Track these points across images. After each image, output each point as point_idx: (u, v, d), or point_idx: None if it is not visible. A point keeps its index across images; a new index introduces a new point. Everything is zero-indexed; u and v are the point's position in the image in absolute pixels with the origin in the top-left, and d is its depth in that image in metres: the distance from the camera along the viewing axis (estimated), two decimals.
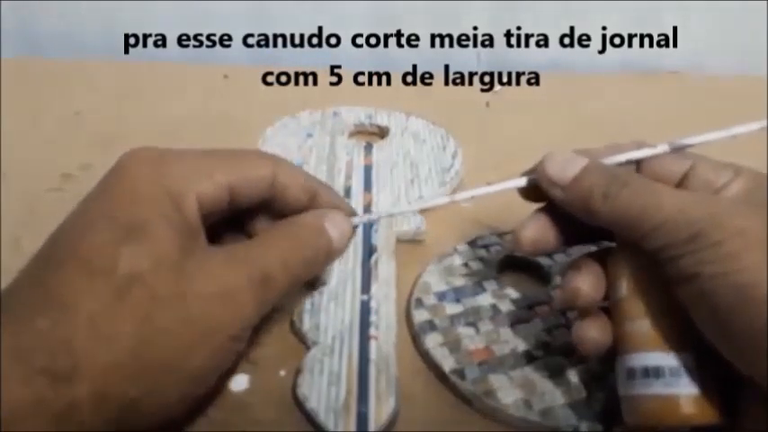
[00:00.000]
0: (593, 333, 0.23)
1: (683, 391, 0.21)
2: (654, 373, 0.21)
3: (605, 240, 0.25)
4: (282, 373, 0.27)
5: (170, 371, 0.19)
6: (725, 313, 0.19)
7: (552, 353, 0.27)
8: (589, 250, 0.25)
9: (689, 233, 0.19)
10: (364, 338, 0.27)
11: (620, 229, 0.22)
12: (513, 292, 0.31)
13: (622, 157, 0.24)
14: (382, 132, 0.46)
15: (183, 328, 0.19)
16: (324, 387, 0.25)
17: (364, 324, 0.28)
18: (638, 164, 0.25)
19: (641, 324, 0.22)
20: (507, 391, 0.25)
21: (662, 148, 0.24)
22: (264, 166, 0.24)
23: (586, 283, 0.23)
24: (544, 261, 0.33)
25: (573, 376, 0.26)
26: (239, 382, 0.26)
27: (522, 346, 0.28)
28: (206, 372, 0.21)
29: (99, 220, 0.20)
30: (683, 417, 0.20)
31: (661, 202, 0.20)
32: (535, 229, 0.24)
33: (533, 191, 0.25)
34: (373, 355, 0.27)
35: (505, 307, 0.30)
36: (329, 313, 0.29)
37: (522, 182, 0.25)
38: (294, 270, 0.23)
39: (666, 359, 0.21)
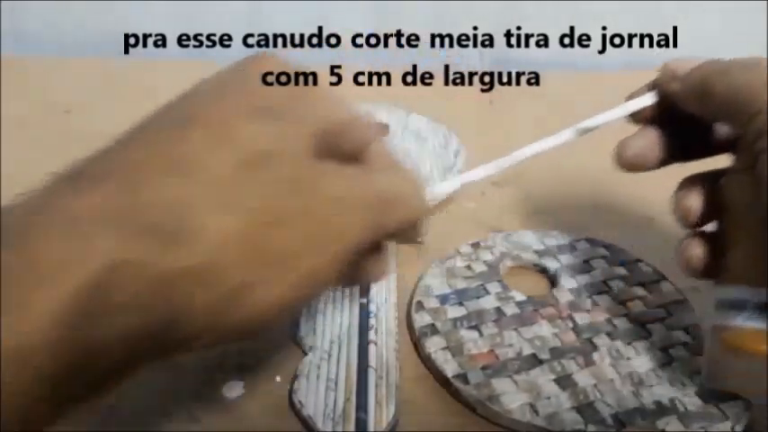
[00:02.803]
0: (699, 251, 0.23)
1: (764, 326, 0.21)
2: (738, 305, 0.21)
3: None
4: (278, 378, 0.26)
5: (286, 261, 0.18)
6: None
7: (558, 356, 0.26)
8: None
9: None
10: (363, 343, 0.26)
11: (734, 107, 0.22)
12: (517, 295, 0.30)
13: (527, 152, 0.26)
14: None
15: (306, 218, 0.18)
16: (321, 393, 0.24)
17: (363, 328, 0.27)
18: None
19: (733, 257, 0.22)
20: (512, 396, 0.25)
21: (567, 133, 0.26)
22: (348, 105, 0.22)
23: (697, 202, 0.24)
24: (550, 263, 0.32)
25: (580, 379, 0.25)
26: (233, 389, 0.25)
27: (527, 349, 0.27)
28: (311, 279, 0.18)
29: (231, 92, 0.19)
30: (756, 350, 0.21)
31: None
32: (640, 144, 0.25)
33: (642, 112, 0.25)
34: (372, 360, 0.26)
35: (510, 310, 0.29)
36: (326, 317, 0.28)
37: (650, 98, 0.25)
38: (403, 204, 0.21)
39: (753, 294, 0.21)
